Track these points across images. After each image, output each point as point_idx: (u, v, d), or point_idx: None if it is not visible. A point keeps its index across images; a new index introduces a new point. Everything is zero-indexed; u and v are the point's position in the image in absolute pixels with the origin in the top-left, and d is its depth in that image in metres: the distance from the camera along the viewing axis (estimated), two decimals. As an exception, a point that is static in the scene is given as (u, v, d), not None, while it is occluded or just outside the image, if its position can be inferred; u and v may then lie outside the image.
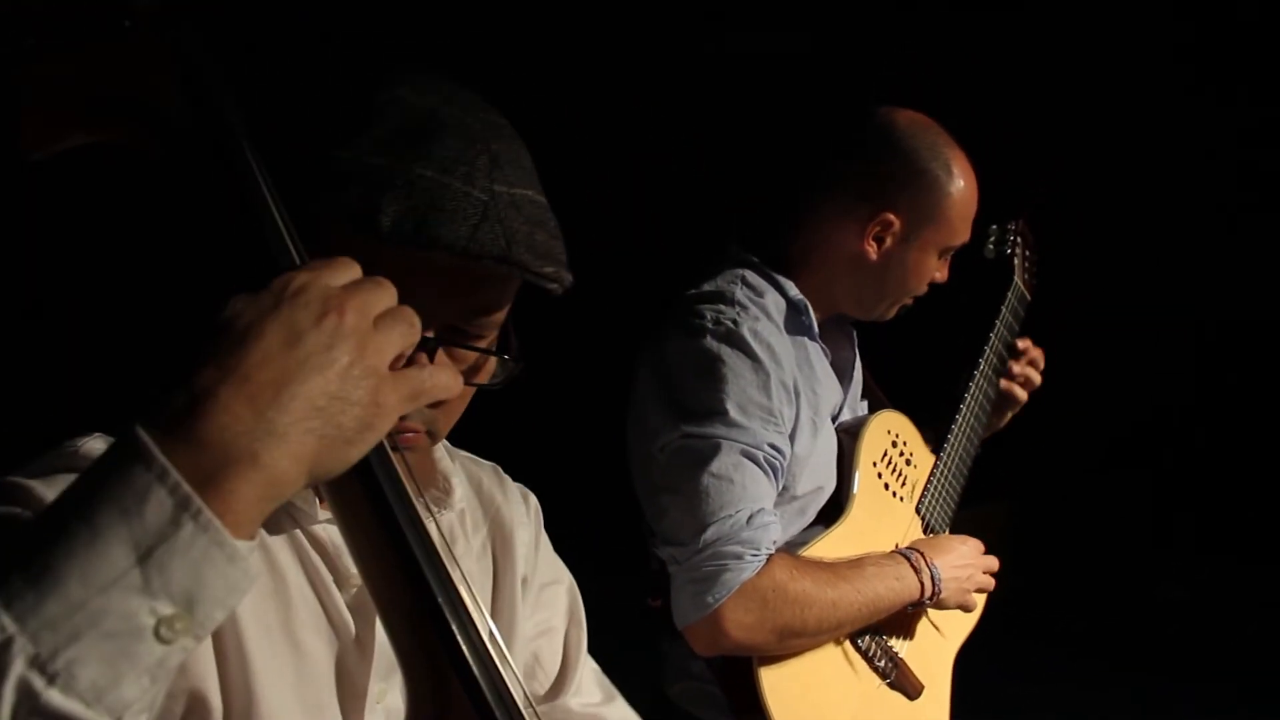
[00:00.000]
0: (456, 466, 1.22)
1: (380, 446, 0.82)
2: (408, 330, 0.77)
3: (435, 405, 1.00)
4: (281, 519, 1.03)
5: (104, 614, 0.65)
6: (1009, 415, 2.31)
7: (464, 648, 0.83)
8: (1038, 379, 2.28)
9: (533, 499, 1.33)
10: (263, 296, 0.74)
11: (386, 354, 0.75)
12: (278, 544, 1.03)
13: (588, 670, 1.35)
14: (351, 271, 0.78)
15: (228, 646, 0.98)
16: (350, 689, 1.05)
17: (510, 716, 0.85)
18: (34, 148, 0.82)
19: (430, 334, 0.97)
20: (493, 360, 1.06)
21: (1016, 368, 2.25)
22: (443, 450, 1.20)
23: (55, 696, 0.64)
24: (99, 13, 0.80)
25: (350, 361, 0.73)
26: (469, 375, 1.03)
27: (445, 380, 0.80)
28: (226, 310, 0.73)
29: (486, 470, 1.30)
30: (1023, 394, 2.27)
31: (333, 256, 0.79)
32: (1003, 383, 2.23)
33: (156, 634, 0.66)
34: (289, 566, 1.03)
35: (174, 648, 0.68)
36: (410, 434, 1.01)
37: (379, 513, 0.82)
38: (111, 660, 0.65)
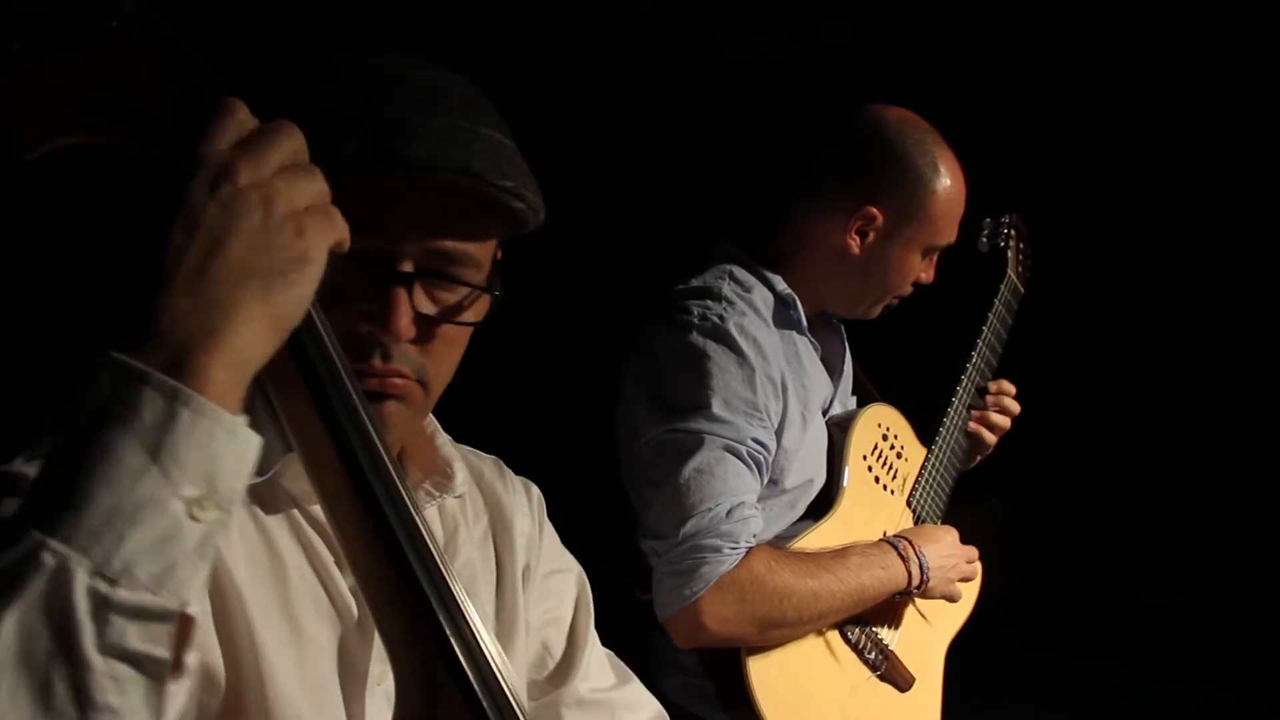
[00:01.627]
0: (459, 456, 1.22)
1: (363, 426, 0.84)
2: (309, 175, 0.80)
3: (425, 349, 1.02)
4: (279, 499, 1.03)
5: (138, 511, 0.70)
6: (977, 459, 2.27)
7: (449, 632, 0.85)
8: (1006, 424, 2.23)
9: (535, 490, 1.33)
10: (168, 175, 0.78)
11: (296, 198, 0.78)
12: (276, 525, 1.03)
13: (597, 655, 1.35)
14: (234, 134, 0.79)
15: (233, 625, 0.98)
16: (351, 671, 1.05)
17: (496, 702, 0.86)
18: (24, 149, 0.83)
19: (408, 268, 0.99)
20: (480, 302, 1.05)
21: (983, 410, 2.20)
22: (445, 438, 1.20)
23: (123, 594, 0.69)
24: (87, 14, 0.81)
25: (261, 217, 0.76)
26: (449, 313, 1.03)
27: (347, 235, 0.82)
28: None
29: (488, 463, 1.30)
30: (990, 437, 2.22)
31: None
32: (971, 425, 2.19)
33: (190, 515, 0.72)
34: (288, 548, 1.03)
35: (209, 525, 0.73)
36: (399, 379, 1.01)
37: (359, 492, 0.84)
38: (159, 549, 0.70)
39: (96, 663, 0.68)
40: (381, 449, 0.86)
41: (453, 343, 1.05)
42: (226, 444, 0.74)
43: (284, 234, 0.77)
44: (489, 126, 1.02)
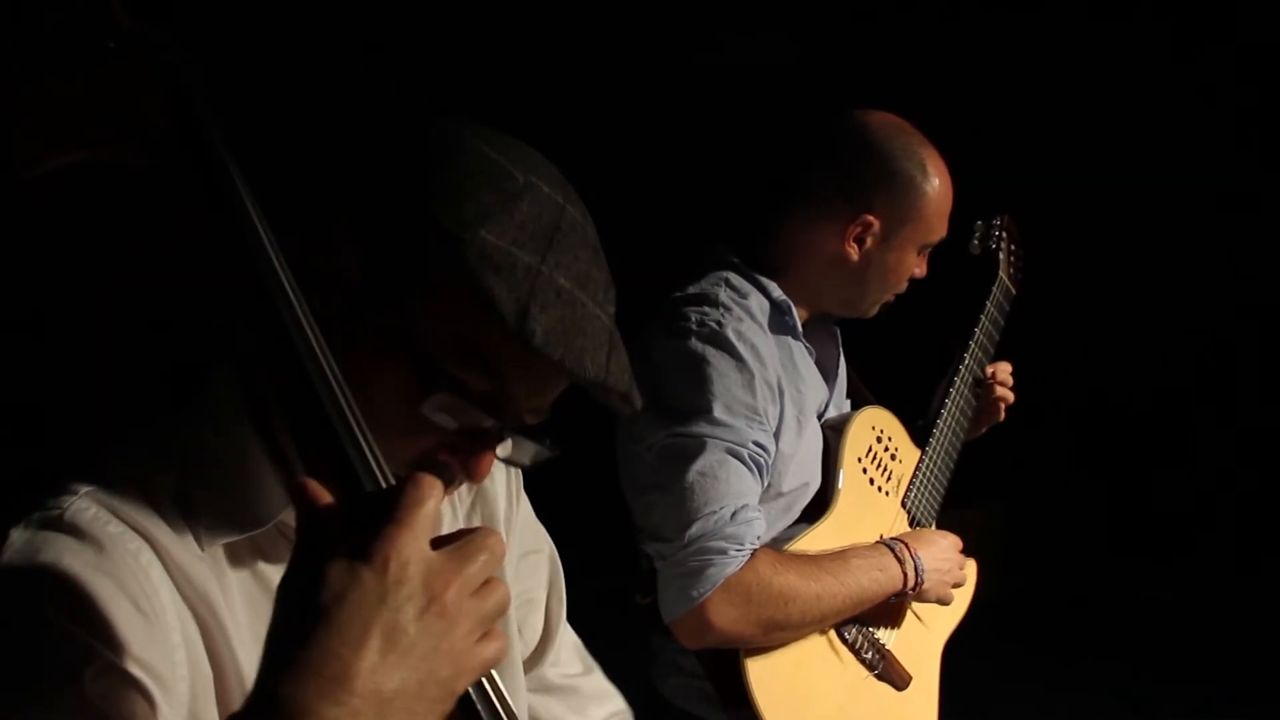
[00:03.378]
0: None
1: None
2: (501, 600, 0.79)
3: (470, 474, 1.00)
4: (280, 546, 1.01)
5: None
6: (983, 429, 2.32)
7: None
8: (1010, 397, 2.28)
9: (514, 469, 1.29)
10: (363, 575, 0.74)
11: (476, 629, 0.77)
12: (278, 572, 1.02)
13: (567, 641, 1.35)
14: (427, 530, 0.77)
15: (232, 697, 0.97)
16: None
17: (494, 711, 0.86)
18: (24, 167, 0.84)
19: (512, 425, 0.96)
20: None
21: (990, 386, 2.24)
22: None
23: None
24: (84, 35, 0.82)
25: (446, 648, 0.75)
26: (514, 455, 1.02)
27: (501, 648, 0.80)
28: (322, 582, 0.74)
29: None
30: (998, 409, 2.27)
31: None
32: (993, 393, 2.24)
33: None
34: None
35: None
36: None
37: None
38: None
39: None
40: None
41: None
42: None
43: (449, 668, 0.75)
44: (611, 301, 0.98)
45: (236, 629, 0.97)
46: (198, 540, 0.96)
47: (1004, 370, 2.29)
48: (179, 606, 0.94)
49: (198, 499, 0.96)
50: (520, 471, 1.30)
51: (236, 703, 0.93)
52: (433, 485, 0.78)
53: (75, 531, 0.90)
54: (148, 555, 0.92)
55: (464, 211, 0.90)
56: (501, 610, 0.78)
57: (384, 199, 0.93)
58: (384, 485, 0.82)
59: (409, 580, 0.74)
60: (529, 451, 1.00)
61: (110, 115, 0.84)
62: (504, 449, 0.98)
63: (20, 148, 0.83)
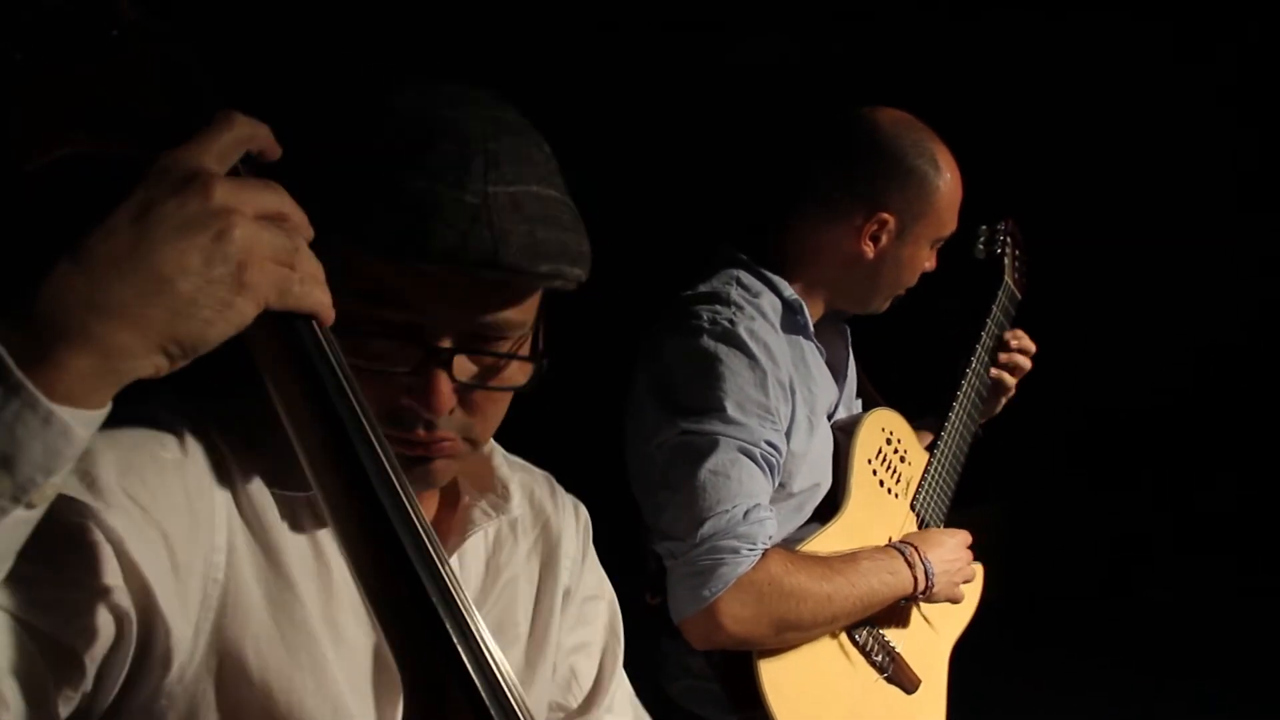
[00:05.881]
0: (514, 474, 1.21)
1: (360, 424, 0.84)
2: (286, 239, 0.78)
3: (469, 412, 1.01)
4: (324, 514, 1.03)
5: None
6: (1002, 401, 2.33)
7: (457, 643, 0.84)
8: (1027, 365, 2.30)
9: (583, 511, 1.30)
10: (142, 181, 0.75)
11: (258, 244, 0.75)
12: (325, 536, 1.03)
13: (622, 691, 1.34)
14: (223, 150, 0.78)
15: (285, 623, 0.99)
16: (387, 676, 1.05)
17: (505, 713, 0.86)
18: (26, 159, 0.83)
19: (447, 344, 0.97)
20: (523, 364, 1.04)
21: (1003, 356, 2.27)
22: (500, 458, 1.20)
23: None
24: (88, 24, 0.81)
25: (212, 242, 0.73)
26: (491, 377, 1.01)
27: (319, 296, 0.81)
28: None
29: (539, 479, 1.28)
30: (1011, 380, 2.29)
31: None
32: (993, 370, 2.26)
33: None
34: (335, 558, 1.02)
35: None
36: (446, 443, 1.00)
37: (362, 497, 0.84)
38: None
39: None
40: (387, 465, 0.85)
41: (498, 399, 1.04)
42: (36, 433, 0.69)
43: (225, 274, 0.74)
44: (527, 180, 0.97)
45: (291, 574, 1.00)
46: (268, 485, 1.01)
47: (1027, 341, 2.30)
48: (235, 525, 0.98)
49: (261, 454, 1.00)
50: (589, 520, 1.31)
51: (281, 621, 0.98)
52: (231, 115, 0.79)
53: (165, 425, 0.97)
54: (215, 475, 0.98)
55: (326, 162, 0.95)
56: (279, 255, 0.77)
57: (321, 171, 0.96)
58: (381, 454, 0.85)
59: (170, 169, 0.74)
60: (499, 374, 1.01)
61: (113, 105, 0.83)
62: (469, 372, 0.99)
63: (23, 138, 0.82)
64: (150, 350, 0.73)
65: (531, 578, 1.22)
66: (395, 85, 1.01)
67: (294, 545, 1.01)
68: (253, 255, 0.75)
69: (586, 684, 1.30)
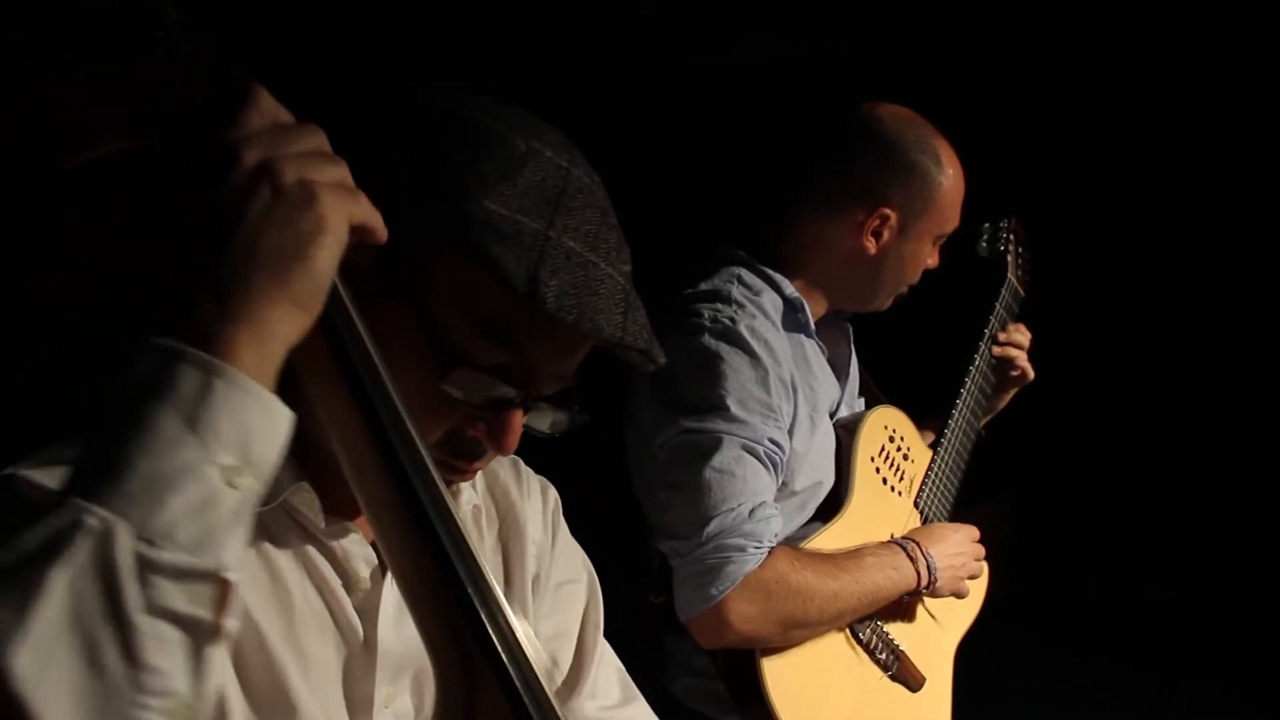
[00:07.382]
0: None
1: (405, 431, 0.84)
2: (330, 161, 0.80)
3: (498, 446, 1.01)
4: (286, 528, 1.02)
5: (177, 477, 0.71)
6: (1005, 399, 2.33)
7: (489, 629, 0.85)
8: (1021, 357, 2.29)
9: (552, 493, 1.30)
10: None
11: (307, 170, 0.78)
12: (279, 554, 1.02)
13: (605, 670, 1.33)
14: (256, 123, 0.80)
15: (246, 654, 0.98)
16: (357, 692, 1.05)
17: (536, 699, 0.87)
18: (70, 158, 0.84)
19: (546, 393, 0.99)
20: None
21: (996, 350, 2.27)
22: None
23: (165, 555, 0.70)
24: (132, 25, 0.82)
25: (270, 192, 0.76)
26: (542, 420, 1.03)
27: (377, 217, 0.83)
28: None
29: (504, 464, 1.27)
30: (1014, 375, 2.29)
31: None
32: (996, 350, 2.26)
33: (228, 483, 0.73)
34: (292, 575, 1.02)
35: (245, 492, 0.74)
36: (473, 471, 1.03)
37: (402, 491, 0.85)
38: (198, 514, 0.72)
39: (142, 623, 0.69)
40: (423, 452, 0.86)
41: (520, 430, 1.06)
42: (259, 415, 0.75)
43: (292, 206, 0.77)
44: (627, 260, 1.00)
45: (245, 604, 0.97)
46: None
47: (1015, 334, 2.30)
48: None
49: None
50: (559, 500, 1.31)
51: (249, 666, 0.97)
52: (260, 95, 0.81)
53: None
54: None
55: (465, 184, 0.92)
56: (335, 180, 0.79)
57: (385, 182, 0.93)
58: (426, 460, 0.85)
59: (218, 152, 0.78)
60: (546, 419, 1.02)
61: (155, 106, 0.84)
62: (542, 421, 1.01)
63: (66, 138, 0.83)
64: (288, 310, 0.77)
65: (497, 569, 1.21)
66: (486, 106, 1.00)
67: (246, 572, 0.97)
68: (307, 180, 0.78)
69: (563, 668, 1.29)
